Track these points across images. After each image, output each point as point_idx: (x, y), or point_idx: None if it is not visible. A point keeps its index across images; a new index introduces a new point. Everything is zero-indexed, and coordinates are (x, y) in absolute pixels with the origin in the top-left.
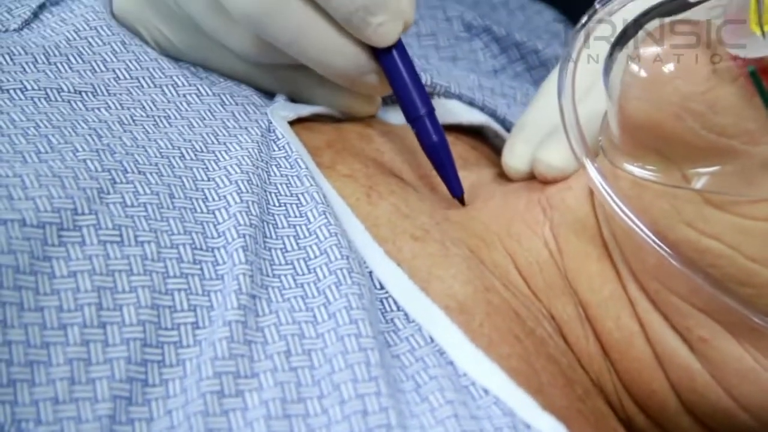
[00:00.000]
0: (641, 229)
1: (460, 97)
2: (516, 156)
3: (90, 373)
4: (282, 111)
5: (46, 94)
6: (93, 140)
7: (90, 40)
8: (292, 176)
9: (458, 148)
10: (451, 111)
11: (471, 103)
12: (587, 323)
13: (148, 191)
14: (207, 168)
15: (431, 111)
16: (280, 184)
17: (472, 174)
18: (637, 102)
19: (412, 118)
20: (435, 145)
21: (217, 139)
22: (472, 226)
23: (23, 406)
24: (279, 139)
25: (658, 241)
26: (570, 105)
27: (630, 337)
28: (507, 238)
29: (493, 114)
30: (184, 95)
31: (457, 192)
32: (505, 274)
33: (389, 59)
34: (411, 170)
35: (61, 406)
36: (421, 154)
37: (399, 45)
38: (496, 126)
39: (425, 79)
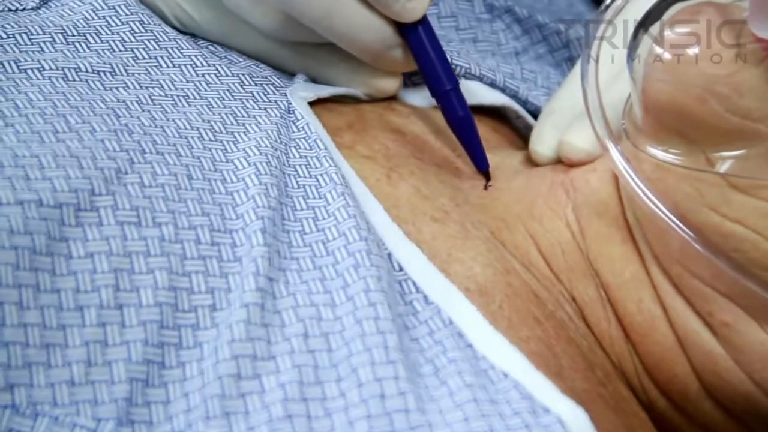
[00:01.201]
0: (664, 213)
1: (481, 78)
2: (544, 142)
3: (107, 355)
4: (302, 92)
5: (64, 73)
6: (111, 120)
7: (108, 19)
8: (311, 157)
9: (480, 131)
10: (472, 92)
11: (492, 84)
12: (609, 306)
13: (166, 172)
14: (226, 149)
15: (457, 86)
16: (299, 165)
17: (494, 156)
18: (660, 84)
19: (438, 92)
20: (461, 119)
21: (236, 120)
22: (493, 207)
23: (39, 388)
24: (298, 120)
25: (681, 225)
26: (593, 88)
27: (652, 321)
28: (529, 219)
29: (514, 95)
30: (203, 75)
31: (482, 166)
32: (526, 256)
33: (415, 34)
34: (432, 152)
35: (77, 389)
36: (443, 136)
37: (425, 20)
38: (517, 107)
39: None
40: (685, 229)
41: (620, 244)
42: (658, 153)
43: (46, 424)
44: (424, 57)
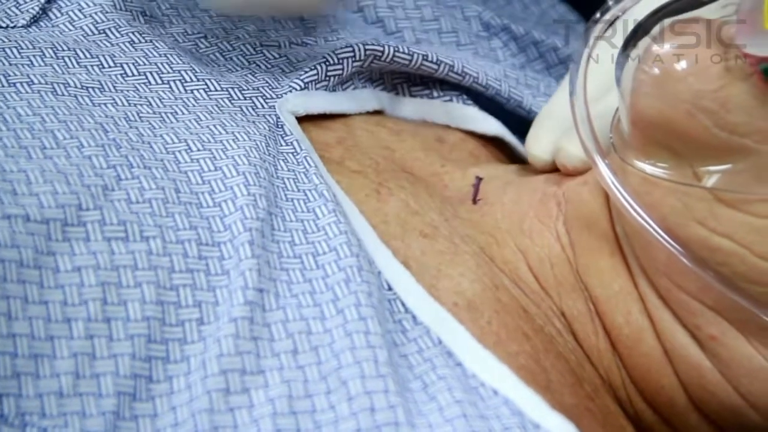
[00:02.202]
0: (651, 226)
1: (486, 88)
2: (540, 145)
3: (94, 367)
4: (291, 105)
5: (53, 88)
6: (99, 135)
7: (98, 42)
8: (299, 172)
9: (469, 145)
10: (466, 116)
11: (497, 94)
12: (597, 318)
13: (153, 186)
14: (214, 157)
15: None
16: (288, 179)
17: (483, 171)
18: (649, 99)
19: None
20: None
21: (225, 129)
22: (483, 222)
23: (27, 399)
24: (287, 135)
25: (668, 239)
26: (581, 101)
27: (639, 333)
28: (519, 235)
29: (519, 105)
30: (192, 91)
31: None
32: (515, 271)
33: None
34: (422, 168)
35: (65, 400)
36: (433, 153)
37: None
38: (509, 138)
39: (457, 67)
40: (672, 242)
41: (609, 257)
42: (646, 167)
43: None
44: None
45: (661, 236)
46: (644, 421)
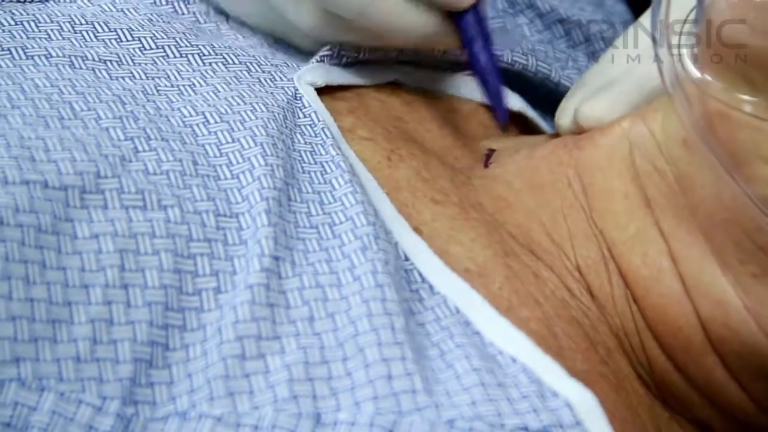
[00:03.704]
0: (720, 162)
1: (512, 65)
2: (566, 114)
3: (112, 333)
4: (310, 77)
5: (71, 61)
6: (117, 107)
7: (116, 16)
8: (316, 144)
9: (483, 116)
10: None
11: (524, 69)
12: (612, 263)
13: (171, 158)
14: (232, 129)
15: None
16: (304, 151)
17: (496, 142)
18: (734, 26)
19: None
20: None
21: (242, 101)
22: (493, 187)
23: (45, 363)
24: (305, 108)
25: (732, 174)
26: (664, 20)
27: (657, 274)
28: (530, 192)
29: (547, 78)
30: (210, 63)
31: (502, 117)
32: (528, 233)
33: (464, 20)
34: (433, 139)
35: (83, 365)
36: (445, 124)
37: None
38: (531, 114)
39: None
40: (736, 178)
41: (624, 199)
42: (721, 96)
43: (52, 399)
44: (470, 42)
45: (727, 171)
46: (656, 370)
